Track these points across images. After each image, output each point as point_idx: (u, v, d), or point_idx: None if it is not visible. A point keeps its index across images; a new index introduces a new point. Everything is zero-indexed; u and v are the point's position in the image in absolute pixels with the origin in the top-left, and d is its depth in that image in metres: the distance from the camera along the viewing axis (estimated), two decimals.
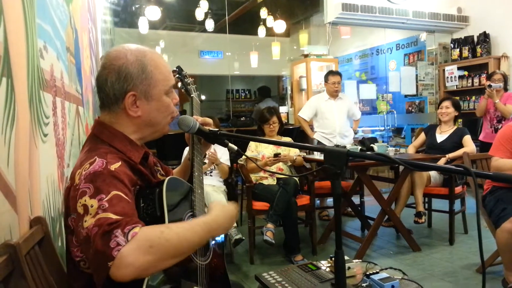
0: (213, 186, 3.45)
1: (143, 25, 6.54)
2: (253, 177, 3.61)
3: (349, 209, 4.43)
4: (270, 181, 3.60)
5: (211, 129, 1.30)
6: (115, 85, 1.12)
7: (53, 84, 1.91)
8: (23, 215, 1.32)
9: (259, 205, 3.41)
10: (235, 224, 3.22)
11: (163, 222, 1.03)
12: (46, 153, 1.70)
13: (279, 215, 3.26)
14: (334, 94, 4.69)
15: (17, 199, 1.27)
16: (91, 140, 1.15)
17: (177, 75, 1.44)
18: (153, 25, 7.03)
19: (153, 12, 6.23)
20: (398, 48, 7.94)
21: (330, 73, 4.79)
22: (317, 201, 4.77)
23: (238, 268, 3.31)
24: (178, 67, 1.47)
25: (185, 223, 1.02)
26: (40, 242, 1.39)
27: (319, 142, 4.74)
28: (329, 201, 4.79)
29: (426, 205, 4.20)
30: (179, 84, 1.45)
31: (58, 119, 2.00)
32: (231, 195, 3.71)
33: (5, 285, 1.05)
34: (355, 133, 5.02)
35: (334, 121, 4.71)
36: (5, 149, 1.19)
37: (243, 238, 3.22)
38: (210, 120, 1.37)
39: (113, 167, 1.02)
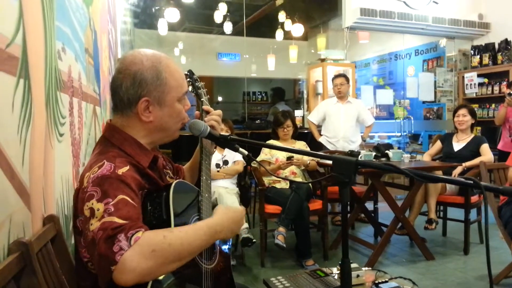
0: (226, 188, 3.46)
1: (162, 27, 6.60)
2: (266, 180, 3.61)
3: (363, 215, 4.38)
4: (283, 185, 3.59)
5: (222, 133, 1.31)
6: (129, 90, 1.13)
7: (71, 85, 1.95)
8: (36, 213, 1.35)
9: (271, 208, 3.41)
10: (246, 225, 3.22)
11: (169, 225, 1.04)
12: (61, 152, 1.74)
13: (291, 219, 3.26)
14: (339, 96, 4.66)
15: (30, 198, 1.30)
16: (102, 143, 1.17)
17: (188, 79, 1.45)
18: (172, 27, 7.09)
19: (172, 14, 6.28)
20: (417, 53, 7.86)
21: (334, 76, 4.77)
22: (329, 206, 4.74)
23: (249, 271, 3.32)
24: (189, 71, 1.48)
25: (188, 227, 1.03)
26: (53, 240, 1.42)
27: (323, 146, 4.70)
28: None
29: (441, 213, 4.14)
30: (190, 88, 1.46)
31: (74, 119, 2.05)
32: (244, 198, 3.72)
33: (16, 281, 1.08)
34: (364, 140, 4.94)
35: (339, 125, 4.65)
36: (20, 148, 1.22)
37: (252, 238, 3.20)
38: (211, 109, 1.40)
39: (120, 171, 1.03)
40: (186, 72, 1.48)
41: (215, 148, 1.48)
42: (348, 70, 5.81)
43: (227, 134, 1.30)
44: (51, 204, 1.55)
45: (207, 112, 1.41)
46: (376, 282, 1.55)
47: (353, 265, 1.71)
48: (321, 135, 4.84)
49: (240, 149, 1.32)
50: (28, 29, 1.31)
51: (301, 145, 3.86)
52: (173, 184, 1.12)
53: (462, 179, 0.88)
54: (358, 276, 1.63)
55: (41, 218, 1.40)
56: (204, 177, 1.29)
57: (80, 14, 2.29)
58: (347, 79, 4.68)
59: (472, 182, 0.86)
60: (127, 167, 1.07)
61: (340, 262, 1.71)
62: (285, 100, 8.49)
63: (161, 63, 1.17)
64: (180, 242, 0.96)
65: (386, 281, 1.56)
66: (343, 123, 4.66)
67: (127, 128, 1.17)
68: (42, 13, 1.48)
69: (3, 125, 1.11)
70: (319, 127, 4.92)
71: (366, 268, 1.75)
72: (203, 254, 1.14)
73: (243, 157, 3.69)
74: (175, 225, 1.05)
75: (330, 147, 4.65)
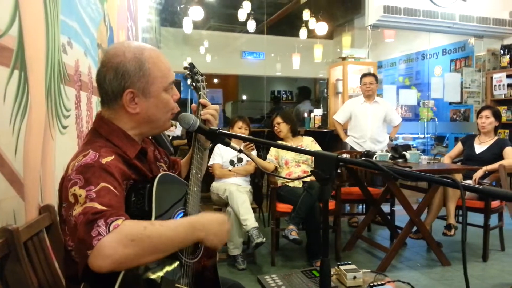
0: (238, 186, 3.43)
1: (187, 25, 6.66)
2: (279, 180, 3.58)
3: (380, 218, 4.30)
4: (296, 184, 3.55)
5: (211, 127, 1.30)
6: (113, 82, 1.14)
7: (78, 78, 1.99)
8: (31, 202, 1.38)
9: (283, 207, 3.38)
10: (256, 225, 3.18)
11: (150, 217, 1.04)
12: (64, 144, 1.77)
13: (302, 218, 3.21)
14: (366, 95, 4.57)
15: (24, 187, 1.32)
16: (91, 133, 1.19)
17: (188, 72, 1.45)
18: (196, 25, 7.14)
19: (197, 12, 6.32)
20: (444, 53, 7.63)
21: (364, 74, 4.68)
22: (348, 207, 4.67)
23: (259, 269, 3.30)
24: (191, 63, 1.48)
25: (170, 221, 1.03)
26: (48, 229, 1.45)
27: (350, 147, 4.62)
28: (360, 208, 4.68)
29: (460, 218, 4.00)
30: (189, 81, 1.45)
31: (82, 112, 2.08)
32: (257, 196, 3.69)
33: (1, 267, 1.10)
34: (391, 140, 4.84)
35: (367, 125, 4.55)
36: (13, 138, 1.25)
37: (264, 241, 3.15)
38: (208, 103, 1.40)
39: (104, 160, 1.04)
40: (187, 65, 1.48)
41: (210, 143, 1.47)
42: (370, 69, 5.69)
43: (215, 128, 1.28)
44: (49, 194, 1.57)
45: (204, 106, 1.41)
46: (371, 284, 1.51)
47: (351, 267, 1.68)
48: (347, 135, 4.77)
49: (232, 144, 1.31)
50: (26, 22, 1.33)
51: (309, 141, 3.81)
52: (158, 176, 1.11)
53: (440, 178, 0.84)
54: (354, 277, 1.60)
55: (36, 208, 1.43)
56: (194, 171, 1.29)
57: (92, 10, 2.33)
58: (376, 78, 4.60)
59: (451, 181, 0.82)
60: (112, 157, 1.07)
61: (338, 263, 1.68)
62: (310, 99, 8.42)
63: (143, 54, 1.16)
64: (159, 236, 0.96)
65: (382, 284, 1.51)
66: (371, 124, 4.57)
67: (115, 120, 1.18)
68: (43, 7, 1.51)
69: None
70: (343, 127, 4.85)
71: (365, 270, 1.71)
72: (185, 248, 1.13)
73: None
74: (156, 217, 1.05)
75: (357, 147, 4.57)
